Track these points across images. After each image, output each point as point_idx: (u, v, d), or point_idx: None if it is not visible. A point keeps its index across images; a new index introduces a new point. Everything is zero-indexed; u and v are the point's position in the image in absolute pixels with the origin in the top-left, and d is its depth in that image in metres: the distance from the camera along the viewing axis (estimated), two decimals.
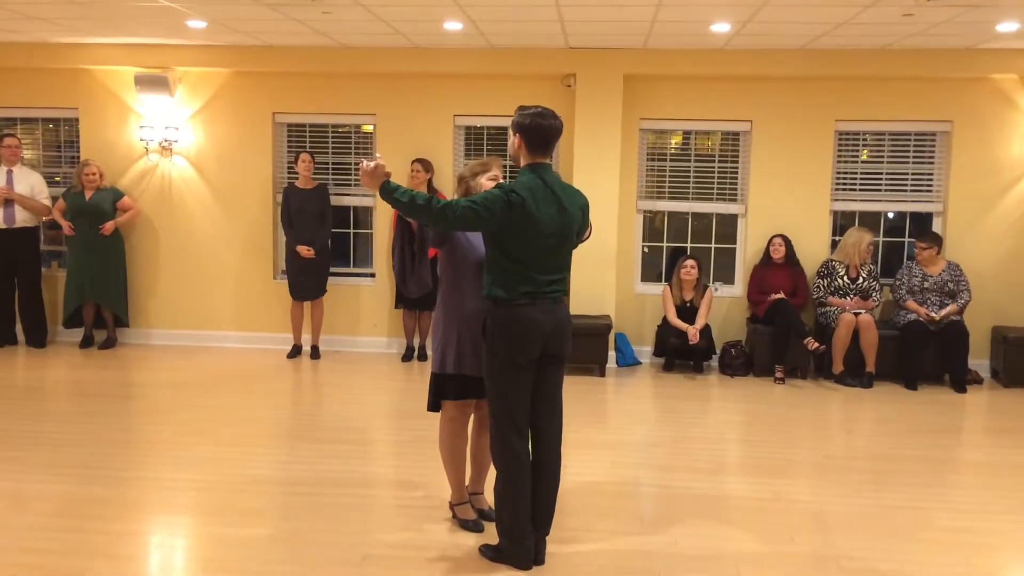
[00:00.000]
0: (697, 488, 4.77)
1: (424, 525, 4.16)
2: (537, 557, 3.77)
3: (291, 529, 4.09)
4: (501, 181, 3.83)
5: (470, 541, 3.96)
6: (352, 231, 8.43)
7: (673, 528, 4.19)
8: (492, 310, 3.66)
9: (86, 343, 8.18)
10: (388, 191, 3.56)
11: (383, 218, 8.12)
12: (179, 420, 5.86)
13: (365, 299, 8.27)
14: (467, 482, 4.22)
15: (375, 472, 4.98)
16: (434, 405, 4.06)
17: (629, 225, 8.06)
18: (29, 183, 8.00)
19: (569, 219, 3.68)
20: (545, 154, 3.70)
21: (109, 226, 7.90)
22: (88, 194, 7.92)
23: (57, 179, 8.49)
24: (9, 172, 7.96)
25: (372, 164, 3.59)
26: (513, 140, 3.71)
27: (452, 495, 4.21)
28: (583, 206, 3.80)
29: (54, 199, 8.09)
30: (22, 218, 7.95)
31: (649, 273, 8.27)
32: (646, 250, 8.25)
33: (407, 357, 7.88)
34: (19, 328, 8.18)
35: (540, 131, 3.65)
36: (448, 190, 7.97)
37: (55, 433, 5.51)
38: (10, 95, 8.31)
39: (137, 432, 5.59)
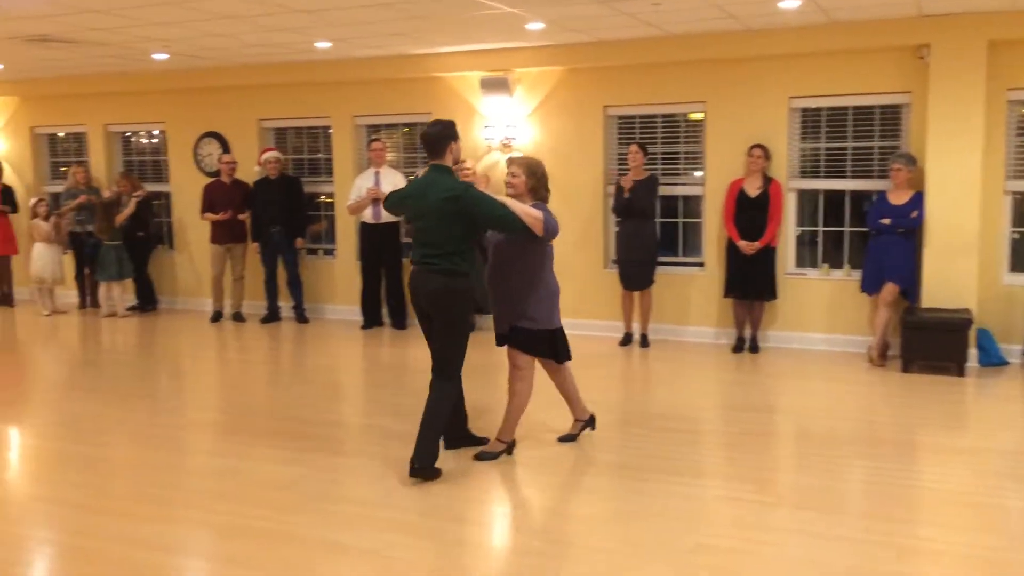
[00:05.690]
0: None
1: (759, 520, 4.03)
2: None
3: (624, 511, 4.17)
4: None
5: (794, 538, 3.77)
6: (681, 220, 8.38)
7: None
8: None
9: None
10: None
11: (713, 207, 7.98)
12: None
13: (694, 289, 8.20)
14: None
15: (705, 462, 4.92)
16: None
17: (995, 208, 7.15)
18: (393, 182, 8.91)
19: (428, 207, 4.50)
20: (435, 157, 4.59)
21: None
22: None
23: (410, 179, 9.39)
24: (376, 173, 8.97)
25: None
26: None
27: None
28: (447, 197, 4.44)
29: None
30: (387, 214, 8.92)
31: (1020, 262, 7.29)
32: (1016, 236, 7.29)
33: (738, 348, 7.70)
34: (384, 311, 9.20)
35: (422, 139, 4.62)
36: (783, 177, 7.66)
37: (415, 405, 6.10)
38: (376, 104, 9.34)
39: (490, 402, 6.01)
